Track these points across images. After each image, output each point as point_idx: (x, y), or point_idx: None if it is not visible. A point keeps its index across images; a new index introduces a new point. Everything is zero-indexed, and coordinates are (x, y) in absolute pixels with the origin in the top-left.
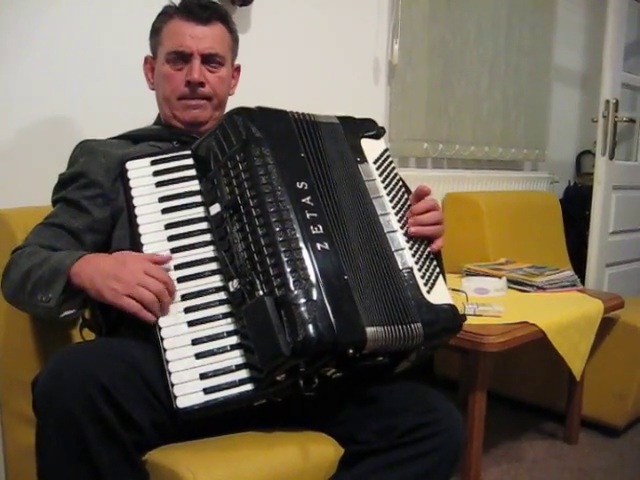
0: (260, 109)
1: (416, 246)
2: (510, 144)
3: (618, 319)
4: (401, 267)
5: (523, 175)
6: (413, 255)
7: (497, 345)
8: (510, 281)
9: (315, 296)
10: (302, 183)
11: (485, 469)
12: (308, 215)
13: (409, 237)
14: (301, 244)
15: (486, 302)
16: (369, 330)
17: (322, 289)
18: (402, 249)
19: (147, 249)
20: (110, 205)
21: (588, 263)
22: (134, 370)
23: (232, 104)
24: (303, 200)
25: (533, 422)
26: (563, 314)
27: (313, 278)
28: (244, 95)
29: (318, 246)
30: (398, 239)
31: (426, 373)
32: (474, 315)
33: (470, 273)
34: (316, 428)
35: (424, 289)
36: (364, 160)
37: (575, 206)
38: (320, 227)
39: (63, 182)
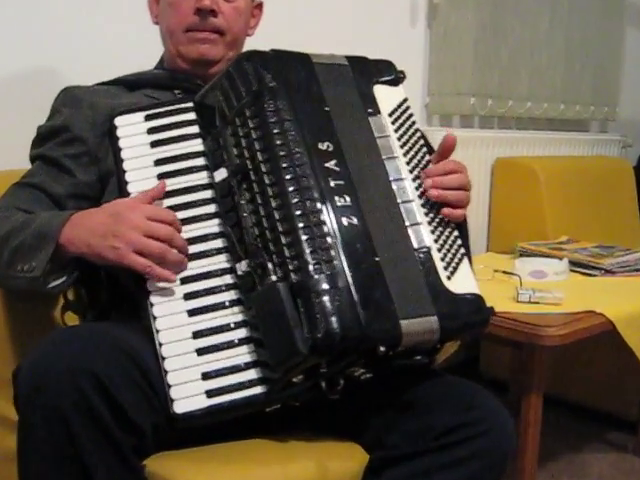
0: (275, 53)
1: (436, 221)
2: (574, 100)
3: None
4: (416, 246)
5: (589, 137)
6: (432, 232)
7: (557, 338)
8: (572, 263)
9: (340, 282)
10: (326, 144)
11: None
12: (332, 183)
13: (428, 209)
14: (323, 218)
15: (544, 287)
16: (404, 323)
17: (348, 273)
18: (418, 224)
19: None
20: (97, 166)
21: None
22: (133, 362)
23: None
24: (327, 164)
25: (598, 431)
26: (636, 303)
27: (338, 260)
28: (263, 38)
29: (344, 221)
30: (414, 211)
31: (469, 372)
32: (529, 303)
33: (525, 253)
34: (337, 433)
35: (443, 274)
36: (376, 111)
37: None
38: (347, 198)
39: (42, 136)
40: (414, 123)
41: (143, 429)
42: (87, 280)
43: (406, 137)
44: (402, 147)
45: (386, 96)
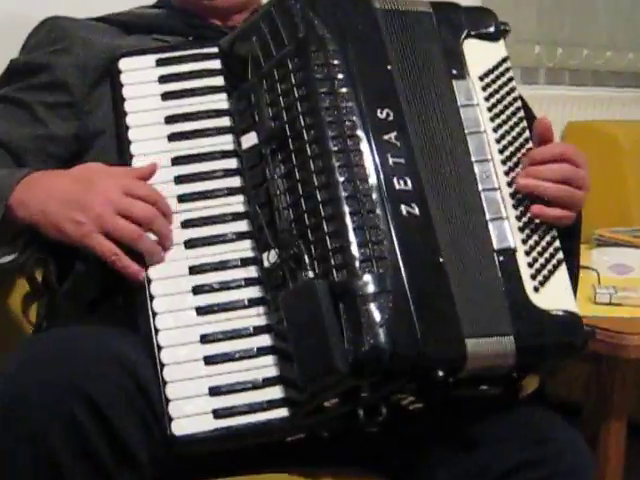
0: None
1: (528, 215)
2: None
3: None
4: (497, 246)
5: None
6: (521, 229)
7: None
8: None
9: (393, 285)
10: (385, 111)
11: None
12: (391, 161)
13: (519, 201)
14: (377, 205)
15: (628, 285)
16: (470, 342)
17: (404, 275)
18: (502, 218)
19: None
20: (80, 122)
21: None
22: (131, 377)
23: None
24: (385, 137)
25: None
26: None
27: (391, 258)
28: None
29: (403, 209)
30: (498, 202)
31: (534, 393)
32: (610, 304)
33: (604, 243)
34: (370, 469)
35: (530, 284)
36: (464, 74)
37: None
38: (408, 181)
39: (14, 72)
40: (513, 90)
41: (139, 460)
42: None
43: (500, 107)
44: (493, 120)
45: (480, 54)
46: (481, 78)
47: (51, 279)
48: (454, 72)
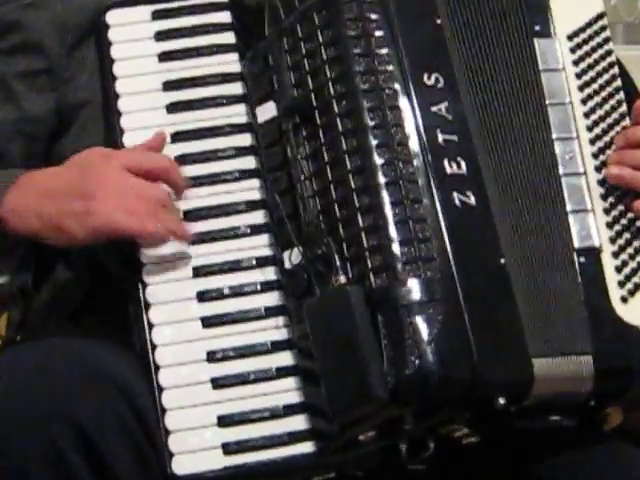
0: None
1: (620, 209)
2: None
3: None
4: (578, 245)
5: None
6: (609, 226)
7: None
8: None
9: (443, 293)
10: (434, 76)
11: None
12: (441, 138)
13: (609, 190)
14: (424, 193)
15: None
16: (538, 363)
17: (457, 280)
18: (587, 210)
19: None
20: (59, 91)
21: None
22: (126, 401)
23: None
24: (434, 108)
25: None
26: None
27: (441, 259)
28: None
29: (456, 198)
30: (583, 190)
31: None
32: None
33: None
34: None
35: (616, 293)
36: (549, 31)
37: None
38: (462, 163)
39: None
40: (609, 54)
41: None
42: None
43: (591, 74)
44: (582, 89)
45: (570, 8)
46: (570, 37)
47: (26, 288)
48: (537, 28)
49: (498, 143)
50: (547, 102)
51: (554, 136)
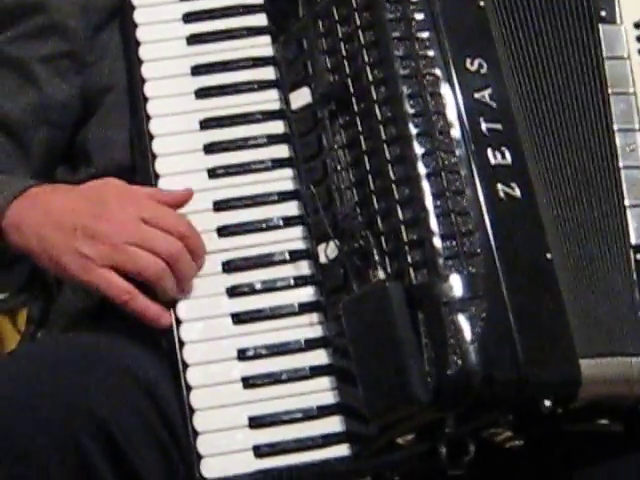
0: None
1: None
2: None
3: None
4: (635, 241)
5: None
6: None
7: None
8: None
9: (486, 290)
10: (477, 61)
11: None
12: (485, 127)
13: None
14: (467, 184)
15: None
16: (586, 364)
17: (502, 276)
18: None
19: (163, 170)
20: (82, 75)
21: None
22: (148, 398)
23: None
24: (477, 95)
25: None
26: None
27: (486, 254)
28: None
29: (500, 190)
30: None
31: None
32: None
33: None
34: None
35: None
36: (614, 17)
37: None
38: (507, 153)
39: (1, 15)
40: None
41: None
42: None
43: None
44: None
45: None
46: (637, 25)
47: (48, 276)
48: (603, 14)
49: (547, 132)
50: (610, 91)
51: (616, 127)
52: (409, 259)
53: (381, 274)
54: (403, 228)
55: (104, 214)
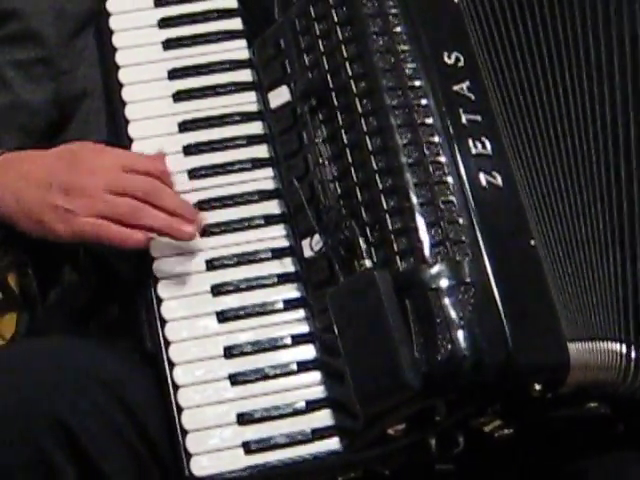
0: None
1: None
2: None
3: None
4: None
5: None
6: None
7: None
8: None
9: (473, 275)
10: (454, 55)
11: None
12: (464, 118)
13: None
14: (449, 174)
15: None
16: (573, 347)
17: (487, 262)
18: None
19: None
20: (60, 81)
21: None
22: (119, 403)
23: None
24: (456, 87)
25: None
26: None
27: (469, 241)
28: None
29: (482, 179)
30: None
31: None
32: None
33: None
34: None
35: None
36: None
37: None
38: (487, 143)
39: None
40: None
41: None
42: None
43: None
44: None
45: None
46: None
47: (31, 290)
48: None
49: (526, 122)
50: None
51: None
52: (395, 247)
53: (368, 263)
54: (388, 217)
55: (79, 168)
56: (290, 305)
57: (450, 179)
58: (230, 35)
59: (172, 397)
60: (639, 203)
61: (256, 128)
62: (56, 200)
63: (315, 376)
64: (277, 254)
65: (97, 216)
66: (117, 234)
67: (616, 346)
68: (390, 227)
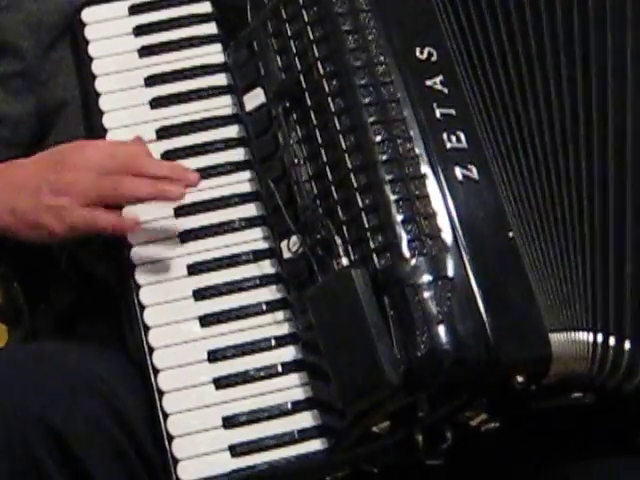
0: None
1: None
2: None
3: None
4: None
5: None
6: None
7: None
8: None
9: (451, 270)
10: (426, 50)
11: None
12: (438, 112)
13: None
14: (425, 169)
15: None
16: (555, 338)
17: (465, 256)
18: None
19: None
20: (35, 93)
21: None
22: (109, 408)
23: None
24: (429, 82)
25: None
26: None
27: (447, 236)
28: None
29: (458, 172)
30: None
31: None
32: None
33: None
34: None
35: None
36: None
37: None
38: (461, 136)
39: None
40: None
41: None
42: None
43: None
44: None
45: None
46: None
47: (18, 304)
48: None
49: (500, 115)
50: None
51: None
52: (371, 244)
53: (345, 261)
54: (363, 215)
55: (64, 166)
56: (273, 307)
57: (425, 174)
58: (205, 40)
59: (157, 403)
60: (613, 192)
61: (233, 131)
62: (48, 201)
63: (300, 377)
64: (258, 256)
65: (86, 205)
66: (106, 221)
67: (596, 336)
68: (366, 224)
